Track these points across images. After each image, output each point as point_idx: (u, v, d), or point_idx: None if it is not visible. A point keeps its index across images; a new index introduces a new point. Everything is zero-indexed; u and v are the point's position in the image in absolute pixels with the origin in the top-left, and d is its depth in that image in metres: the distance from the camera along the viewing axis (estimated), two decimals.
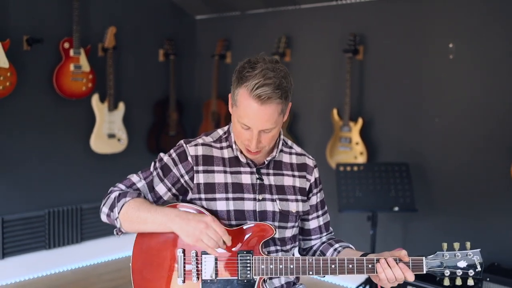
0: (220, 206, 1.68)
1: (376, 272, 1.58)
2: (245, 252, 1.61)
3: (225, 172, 1.71)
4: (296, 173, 1.80)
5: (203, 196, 1.69)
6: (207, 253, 1.62)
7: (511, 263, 3.09)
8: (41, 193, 3.88)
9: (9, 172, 3.72)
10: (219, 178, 1.70)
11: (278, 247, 1.72)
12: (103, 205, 1.72)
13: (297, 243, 1.85)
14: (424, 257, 1.58)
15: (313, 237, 1.86)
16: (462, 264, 1.56)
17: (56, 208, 3.93)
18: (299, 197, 1.78)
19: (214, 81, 4.51)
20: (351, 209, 3.34)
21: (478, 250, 1.57)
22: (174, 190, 1.73)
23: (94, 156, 4.13)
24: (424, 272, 1.58)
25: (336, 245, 1.81)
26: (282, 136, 1.81)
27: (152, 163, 1.77)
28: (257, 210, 1.70)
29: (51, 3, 3.83)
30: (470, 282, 1.56)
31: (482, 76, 3.28)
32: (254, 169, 1.74)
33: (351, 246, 1.81)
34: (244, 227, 1.64)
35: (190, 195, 1.72)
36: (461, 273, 1.56)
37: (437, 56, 3.43)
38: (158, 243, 1.66)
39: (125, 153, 4.26)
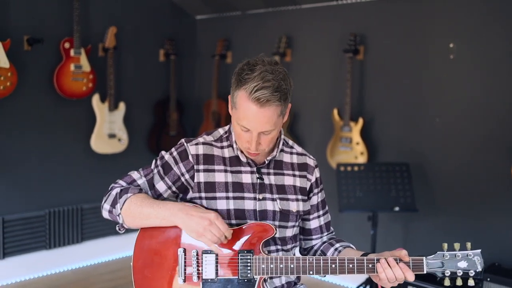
0: (220, 205, 1.68)
1: (377, 272, 1.58)
2: (245, 252, 1.61)
3: (225, 171, 1.72)
4: (297, 173, 1.80)
5: (203, 195, 1.70)
6: (207, 253, 1.62)
7: None
8: (41, 193, 3.88)
9: (10, 172, 3.72)
10: (219, 177, 1.71)
11: (279, 247, 1.73)
12: (105, 202, 1.73)
13: (297, 242, 1.85)
14: (424, 257, 1.58)
15: (313, 237, 1.87)
16: (463, 264, 1.56)
17: (56, 208, 3.93)
18: (299, 197, 1.78)
19: (215, 81, 4.51)
20: (352, 209, 3.34)
21: (479, 250, 1.57)
22: (174, 188, 1.74)
23: (95, 156, 4.13)
24: (425, 272, 1.58)
25: (337, 245, 1.81)
26: (283, 136, 1.81)
27: (154, 161, 1.78)
28: (257, 209, 1.70)
29: (52, 3, 3.84)
30: (471, 282, 1.56)
31: (482, 76, 3.28)
32: (255, 169, 1.74)
33: (351, 246, 1.81)
34: (245, 226, 1.64)
35: (190, 194, 1.73)
36: (461, 273, 1.56)
37: (437, 56, 3.43)
38: (159, 243, 1.66)
39: (125, 153, 4.26)
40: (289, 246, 1.76)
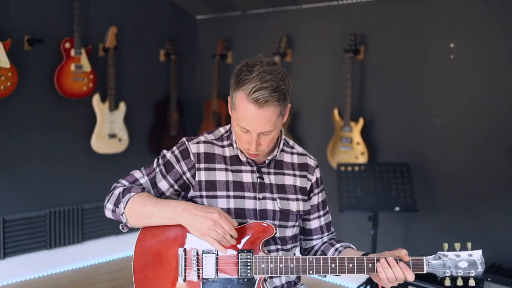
0: (221, 203, 1.69)
1: (376, 272, 1.58)
2: (245, 251, 1.61)
3: (226, 170, 1.72)
4: (297, 173, 1.80)
5: (204, 193, 1.70)
6: (208, 252, 1.62)
7: None
8: (42, 193, 3.89)
9: (10, 172, 3.72)
10: (220, 176, 1.71)
11: (279, 246, 1.73)
12: (107, 201, 1.73)
13: (298, 242, 1.85)
14: (424, 257, 1.58)
15: (314, 237, 1.87)
16: (463, 264, 1.56)
17: (57, 208, 3.93)
18: (299, 197, 1.78)
19: (215, 81, 4.51)
20: (352, 209, 3.34)
21: (480, 250, 1.57)
22: (176, 187, 1.74)
23: (95, 156, 4.13)
24: (425, 272, 1.58)
25: (337, 245, 1.81)
26: (283, 136, 1.82)
27: (155, 160, 1.79)
28: (257, 208, 1.71)
29: (52, 3, 3.84)
30: (471, 282, 1.56)
31: (482, 76, 3.28)
32: (255, 168, 1.75)
33: (352, 246, 1.81)
34: (245, 226, 1.64)
35: (191, 192, 1.73)
36: (462, 273, 1.56)
37: (438, 56, 3.43)
38: (159, 242, 1.66)
39: (126, 153, 4.26)
40: (289, 246, 1.76)
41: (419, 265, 1.57)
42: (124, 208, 1.67)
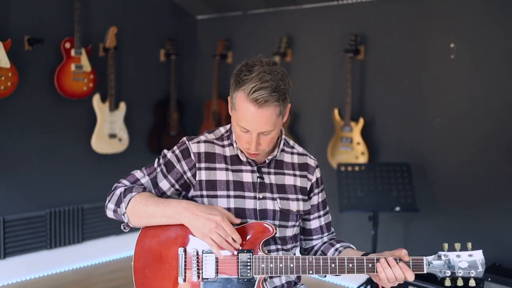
0: (221, 203, 1.69)
1: (376, 272, 1.58)
2: (245, 251, 1.61)
3: (227, 169, 1.73)
4: (298, 173, 1.80)
5: (204, 193, 1.70)
6: (208, 252, 1.62)
7: None
8: (42, 193, 3.89)
9: (10, 172, 3.72)
10: (220, 175, 1.71)
11: (279, 246, 1.73)
12: (109, 201, 1.74)
13: (298, 242, 1.85)
14: (424, 257, 1.58)
15: (314, 237, 1.87)
16: (464, 264, 1.56)
17: (57, 208, 3.93)
18: (300, 196, 1.78)
19: (215, 81, 4.51)
20: (352, 209, 3.34)
21: (480, 250, 1.56)
22: (177, 186, 1.74)
23: (95, 156, 4.13)
24: (425, 272, 1.58)
25: (337, 245, 1.81)
26: (283, 136, 1.82)
27: (156, 160, 1.79)
28: (257, 208, 1.71)
29: (52, 3, 3.84)
30: (472, 282, 1.56)
31: (482, 76, 3.28)
32: (255, 168, 1.75)
33: (352, 246, 1.81)
34: (245, 225, 1.64)
35: (192, 192, 1.73)
36: (462, 273, 1.56)
37: (438, 56, 3.43)
38: (159, 242, 1.66)
39: (126, 153, 4.26)
40: (289, 246, 1.76)
41: (419, 265, 1.57)
42: (125, 208, 1.67)
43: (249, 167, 1.74)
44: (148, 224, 1.67)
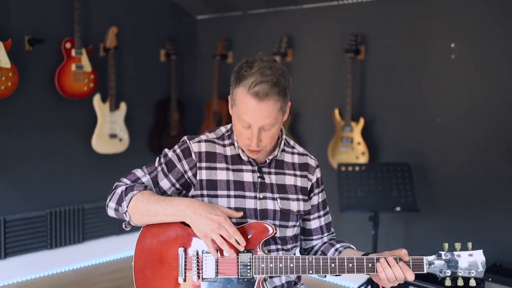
0: (222, 203, 1.69)
1: (376, 272, 1.58)
2: (245, 251, 1.61)
3: (227, 169, 1.73)
4: (298, 173, 1.80)
5: (205, 192, 1.70)
6: (208, 252, 1.62)
7: None
8: (42, 193, 3.89)
9: (11, 172, 3.72)
10: (221, 175, 1.71)
11: (279, 246, 1.73)
12: (110, 200, 1.74)
13: (298, 242, 1.85)
14: (424, 257, 1.57)
15: (314, 237, 1.87)
16: (464, 264, 1.56)
17: (57, 208, 3.94)
18: (300, 196, 1.78)
19: (215, 81, 4.51)
20: (353, 209, 3.34)
21: (480, 250, 1.56)
22: (178, 185, 1.74)
23: (96, 156, 4.13)
24: (425, 271, 1.58)
25: (337, 245, 1.81)
26: (284, 136, 1.82)
27: (157, 159, 1.79)
28: (258, 208, 1.70)
29: (53, 3, 3.84)
30: (472, 282, 1.56)
31: (482, 76, 3.28)
32: (256, 168, 1.75)
33: (352, 246, 1.81)
34: (245, 225, 1.64)
35: (192, 191, 1.73)
36: (462, 273, 1.56)
37: (438, 56, 3.43)
38: (160, 242, 1.66)
39: (126, 153, 4.26)
40: (289, 246, 1.76)
41: (419, 265, 1.57)
42: (127, 207, 1.67)
43: (249, 167, 1.74)
44: (150, 222, 1.67)
